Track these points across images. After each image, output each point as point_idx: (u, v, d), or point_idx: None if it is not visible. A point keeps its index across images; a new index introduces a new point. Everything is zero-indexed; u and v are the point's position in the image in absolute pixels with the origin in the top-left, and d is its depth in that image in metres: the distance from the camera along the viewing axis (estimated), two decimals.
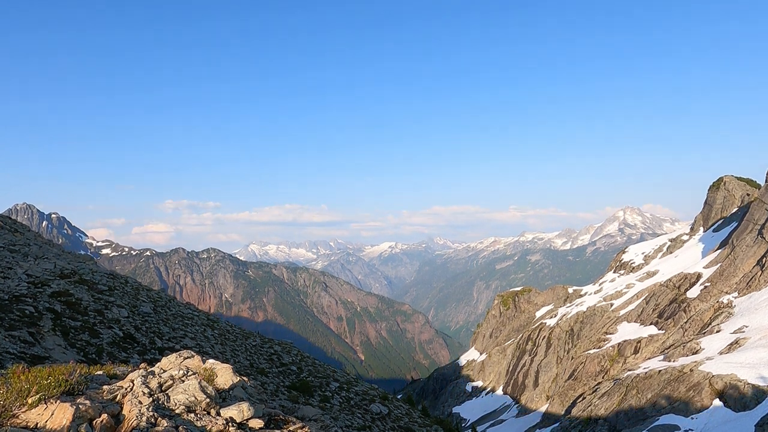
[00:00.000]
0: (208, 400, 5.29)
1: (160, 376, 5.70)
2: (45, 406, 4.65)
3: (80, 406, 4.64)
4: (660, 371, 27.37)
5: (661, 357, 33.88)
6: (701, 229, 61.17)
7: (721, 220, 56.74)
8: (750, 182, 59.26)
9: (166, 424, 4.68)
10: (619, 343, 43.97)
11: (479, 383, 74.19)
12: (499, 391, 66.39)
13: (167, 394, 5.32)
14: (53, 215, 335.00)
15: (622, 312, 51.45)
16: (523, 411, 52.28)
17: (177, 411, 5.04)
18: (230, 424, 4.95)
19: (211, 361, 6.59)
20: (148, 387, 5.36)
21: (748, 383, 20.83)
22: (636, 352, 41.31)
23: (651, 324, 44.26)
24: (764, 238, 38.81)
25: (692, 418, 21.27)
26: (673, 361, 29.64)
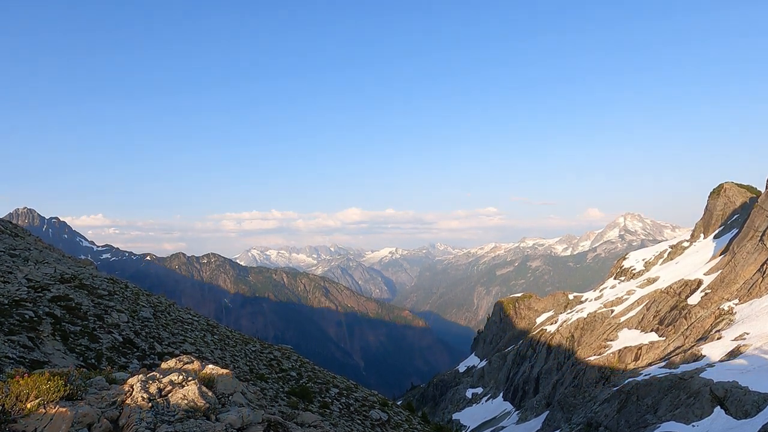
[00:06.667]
0: (207, 405, 5.29)
1: (160, 381, 5.70)
2: (44, 410, 4.65)
3: (79, 411, 4.65)
4: (661, 378, 27.26)
5: (662, 364, 33.75)
6: (702, 235, 61.14)
7: (722, 227, 56.74)
8: (750, 189, 59.27)
9: (165, 430, 4.68)
10: (619, 350, 43.82)
11: (479, 389, 73.94)
12: (500, 398, 66.12)
13: (167, 399, 5.32)
14: (54, 220, 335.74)
15: (623, 318, 51.31)
16: (524, 418, 52.00)
17: (176, 416, 5.04)
18: (230, 429, 4.95)
19: (210, 366, 6.59)
20: (147, 392, 5.37)
21: (750, 390, 20.73)
22: (637, 358, 41.16)
23: (652, 331, 44.14)
24: (765, 245, 38.78)
25: (693, 426, 21.15)
26: (674, 368, 29.53)
